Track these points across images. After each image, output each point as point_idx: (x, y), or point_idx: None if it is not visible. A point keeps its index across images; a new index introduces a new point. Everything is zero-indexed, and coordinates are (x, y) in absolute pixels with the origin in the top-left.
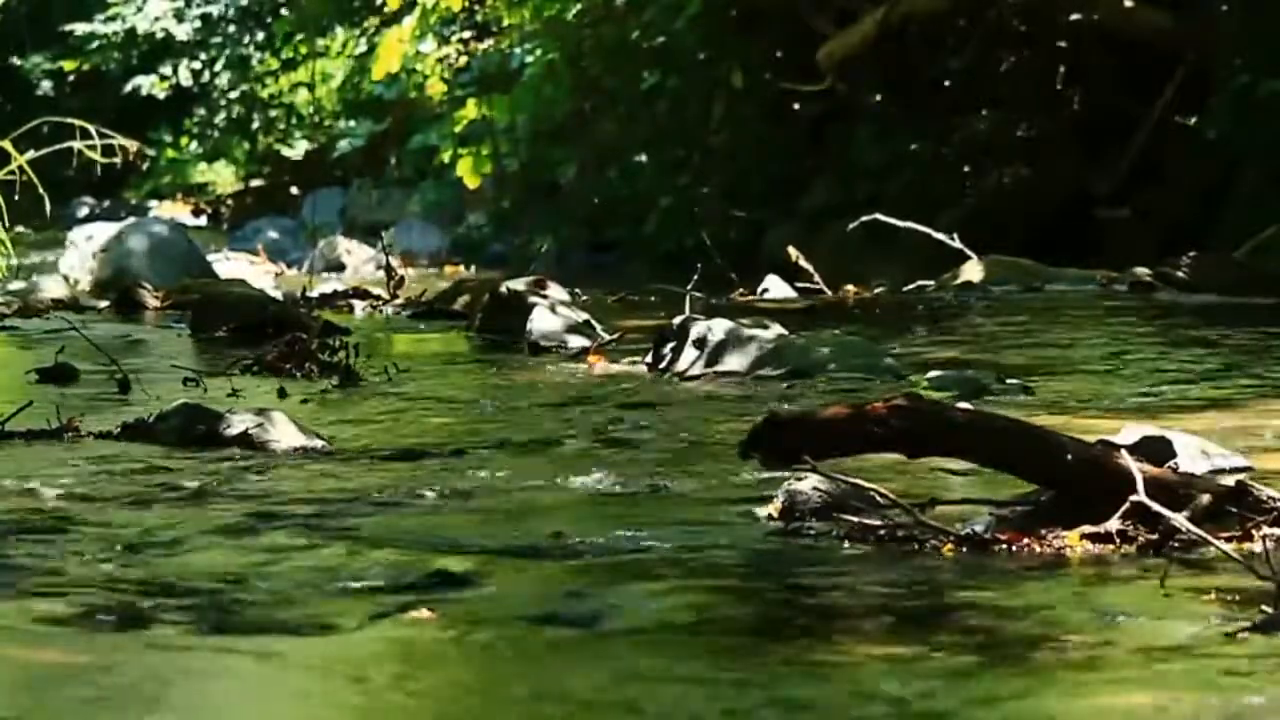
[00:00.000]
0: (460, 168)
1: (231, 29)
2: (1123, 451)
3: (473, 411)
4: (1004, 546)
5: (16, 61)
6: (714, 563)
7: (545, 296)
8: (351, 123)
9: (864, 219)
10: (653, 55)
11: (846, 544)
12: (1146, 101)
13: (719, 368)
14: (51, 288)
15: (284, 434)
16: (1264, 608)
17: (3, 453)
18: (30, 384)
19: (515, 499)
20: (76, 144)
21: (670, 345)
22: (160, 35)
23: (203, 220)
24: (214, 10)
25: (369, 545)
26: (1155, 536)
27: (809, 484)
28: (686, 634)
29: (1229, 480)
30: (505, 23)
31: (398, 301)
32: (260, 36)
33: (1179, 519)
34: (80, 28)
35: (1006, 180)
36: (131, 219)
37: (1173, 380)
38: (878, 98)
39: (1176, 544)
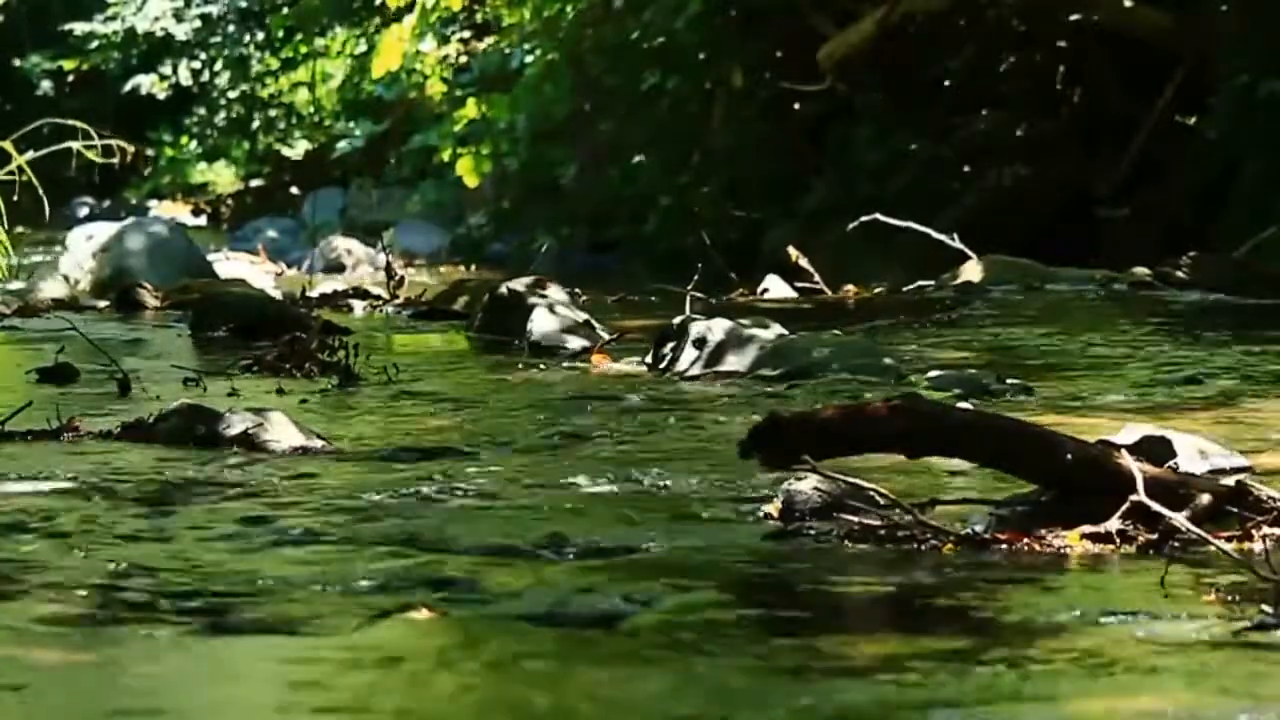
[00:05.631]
0: (460, 167)
1: (231, 29)
2: (1123, 451)
3: (473, 411)
4: (1004, 546)
5: (16, 62)
6: (714, 562)
7: (545, 296)
8: (351, 123)
9: (864, 219)
10: (653, 55)
11: (846, 544)
12: (1146, 101)
13: (719, 368)
14: (51, 288)
15: (283, 434)
16: (1264, 608)
17: (3, 453)
18: (30, 384)
19: (515, 499)
20: (76, 144)
21: (670, 345)
22: (160, 35)
23: (203, 220)
24: (213, 10)
25: (369, 545)
26: (1155, 536)
27: (809, 484)
28: (686, 634)
29: (1229, 480)
30: (505, 22)
31: (398, 301)
32: (260, 36)
33: (1179, 519)
34: (80, 27)
35: (1006, 180)
36: (131, 219)
37: (1173, 380)
38: (878, 98)
39: (1176, 544)
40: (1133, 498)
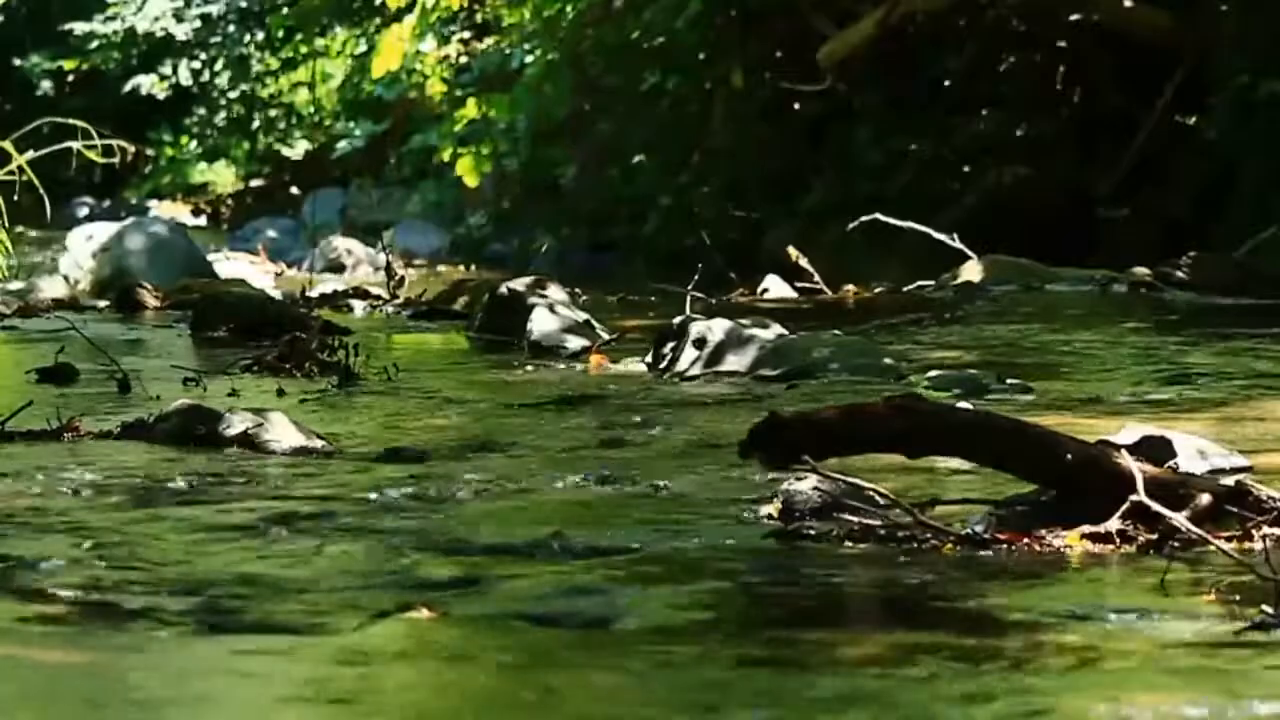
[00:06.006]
0: (460, 167)
1: (231, 28)
2: (1123, 451)
3: (473, 411)
4: (1004, 546)
5: (16, 62)
6: (714, 563)
7: (545, 296)
8: (351, 123)
9: (864, 219)
10: (653, 55)
11: (846, 544)
12: (1146, 101)
13: (719, 368)
14: (51, 288)
15: (283, 434)
16: (1264, 607)
17: (3, 453)
18: (30, 384)
19: (515, 499)
20: (76, 144)
21: (670, 345)
22: (160, 35)
23: (203, 220)
24: (213, 10)
25: (369, 545)
26: (1155, 536)
27: (809, 484)
28: (686, 634)
29: (1229, 480)
30: (505, 22)
31: (398, 301)
32: (260, 36)
33: (1179, 519)
34: (80, 27)
35: (1006, 180)
36: (131, 219)
37: (1172, 380)
38: (878, 98)
39: (1176, 544)
40: (1133, 498)
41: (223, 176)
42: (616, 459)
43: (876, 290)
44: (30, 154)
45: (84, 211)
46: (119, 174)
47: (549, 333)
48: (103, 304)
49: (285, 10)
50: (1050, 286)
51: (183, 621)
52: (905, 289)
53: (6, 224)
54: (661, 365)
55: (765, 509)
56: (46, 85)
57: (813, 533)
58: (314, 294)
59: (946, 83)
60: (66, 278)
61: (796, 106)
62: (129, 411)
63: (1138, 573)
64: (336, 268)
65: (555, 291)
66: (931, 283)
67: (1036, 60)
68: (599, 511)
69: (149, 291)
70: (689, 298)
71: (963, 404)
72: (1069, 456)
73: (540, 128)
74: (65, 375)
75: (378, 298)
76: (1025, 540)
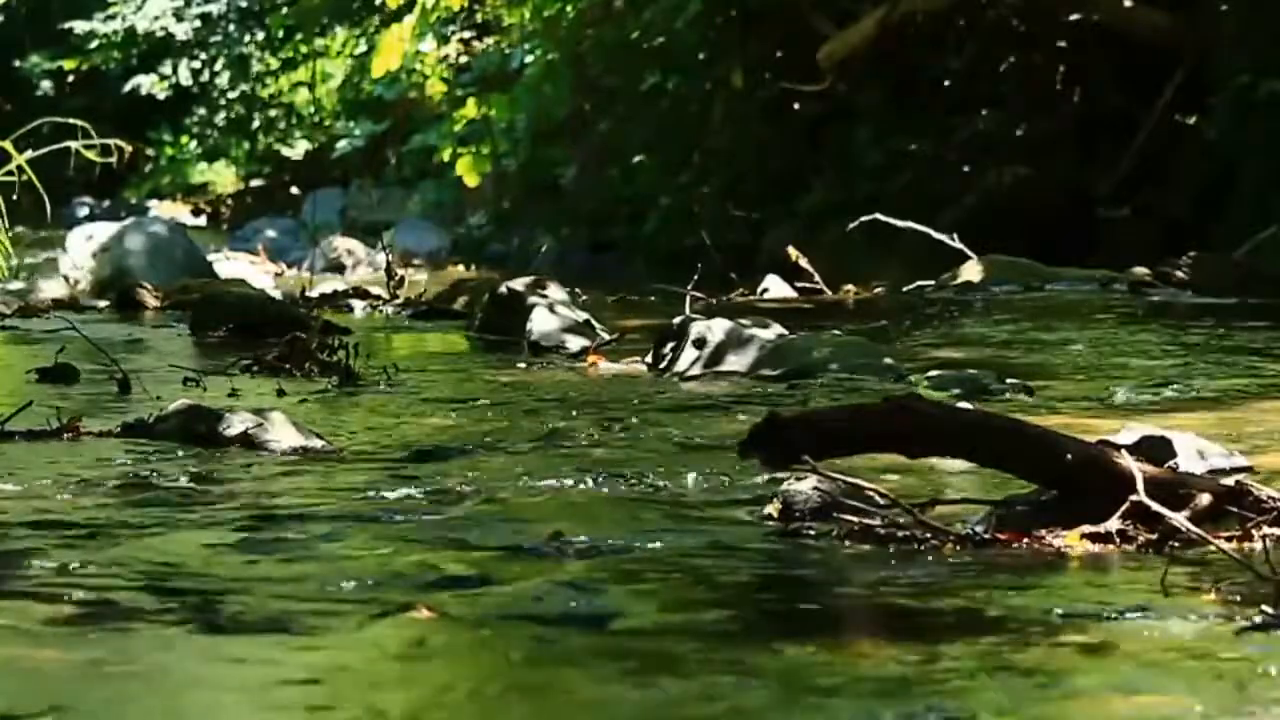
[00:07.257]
0: (460, 167)
1: (231, 28)
2: (1123, 451)
3: (473, 411)
4: (1004, 546)
5: (16, 62)
6: (714, 563)
7: (545, 296)
8: (351, 123)
9: (864, 219)
10: (653, 55)
11: (846, 544)
12: (1146, 101)
13: (719, 368)
14: (51, 288)
15: (283, 434)
16: (1264, 607)
17: (3, 453)
18: (30, 384)
19: (515, 499)
20: (75, 144)
21: (670, 345)
22: (160, 34)
23: (203, 220)
24: (213, 9)
25: (369, 545)
26: (1155, 536)
27: (808, 484)
28: (686, 634)
29: (1228, 480)
30: (505, 22)
31: (398, 301)
32: (260, 36)
33: (1179, 519)
34: (80, 26)
35: (1007, 180)
36: (131, 219)
37: (1172, 380)
38: (878, 98)
39: (1176, 544)
40: (1133, 498)
41: (223, 176)
42: (616, 459)
43: (876, 290)
44: (30, 154)
45: (84, 211)
46: (119, 174)
47: (549, 333)
48: (103, 304)
49: (285, 10)
50: (1050, 286)
51: (183, 621)
52: (905, 289)
53: (6, 224)
54: (661, 365)
55: (765, 509)
56: (46, 85)
57: (812, 533)
58: (314, 294)
59: (946, 83)
60: (66, 278)
61: (796, 106)
62: (129, 411)
63: (1138, 573)
64: (336, 268)
65: (555, 291)
66: (931, 283)
67: (1036, 60)
68: (599, 511)
69: (149, 291)
70: (689, 298)
71: (963, 404)
72: (1069, 456)
73: (540, 128)
74: (65, 375)
75: (378, 298)
76: (1025, 540)
